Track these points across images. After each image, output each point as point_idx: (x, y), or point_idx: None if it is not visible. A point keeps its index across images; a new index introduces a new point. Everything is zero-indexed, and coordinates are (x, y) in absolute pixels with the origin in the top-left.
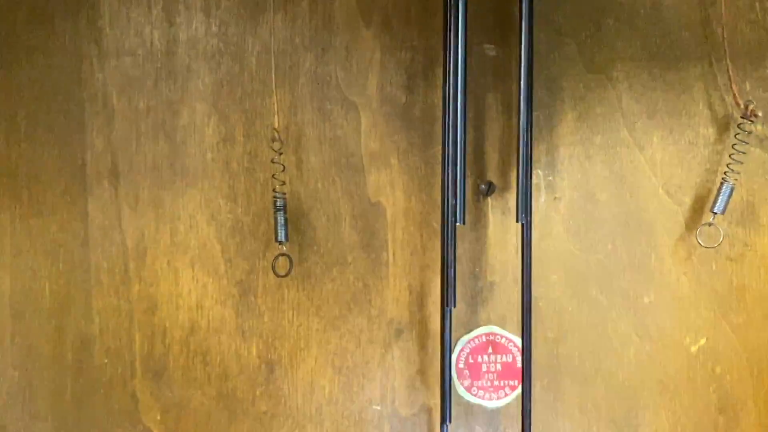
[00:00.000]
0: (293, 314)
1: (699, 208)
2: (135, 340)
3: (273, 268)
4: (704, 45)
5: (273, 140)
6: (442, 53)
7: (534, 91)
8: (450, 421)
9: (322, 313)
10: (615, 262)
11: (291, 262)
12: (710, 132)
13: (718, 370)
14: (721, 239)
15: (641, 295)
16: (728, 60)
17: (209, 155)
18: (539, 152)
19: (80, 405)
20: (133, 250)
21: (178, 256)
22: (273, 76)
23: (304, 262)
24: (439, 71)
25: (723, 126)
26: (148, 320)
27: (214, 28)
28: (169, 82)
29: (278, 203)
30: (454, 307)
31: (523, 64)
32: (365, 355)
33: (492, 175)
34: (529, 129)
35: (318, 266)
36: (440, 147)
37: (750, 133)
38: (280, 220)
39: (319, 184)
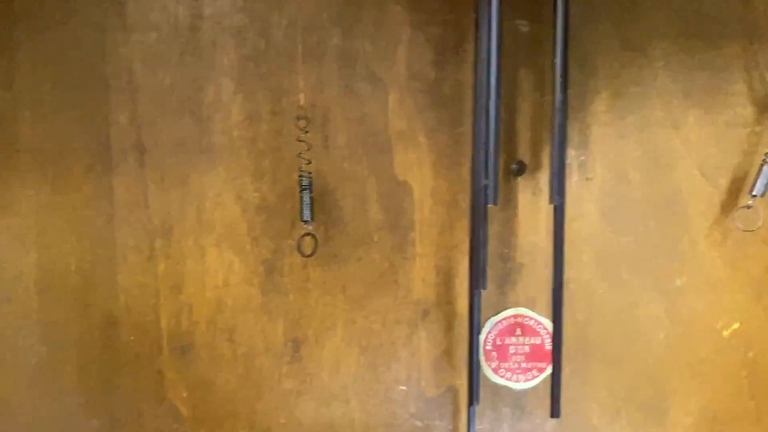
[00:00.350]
0: (319, 293)
1: (735, 190)
2: (161, 318)
3: (298, 247)
4: (743, 23)
5: (299, 118)
6: (473, 29)
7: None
8: (477, 402)
9: (347, 293)
10: (647, 244)
11: (316, 241)
12: (748, 112)
13: (750, 354)
14: (761, 223)
15: (673, 277)
16: None
17: (235, 133)
18: (572, 131)
19: (106, 382)
20: (159, 228)
21: (205, 234)
22: (300, 51)
23: (330, 241)
24: (470, 47)
25: (763, 106)
26: (174, 298)
27: (239, 3)
28: (194, 58)
29: (304, 182)
30: (485, 289)
31: (558, 41)
32: (391, 335)
33: (522, 155)
34: (564, 108)
35: (344, 246)
36: (469, 125)
37: None
38: (306, 199)
39: (346, 163)
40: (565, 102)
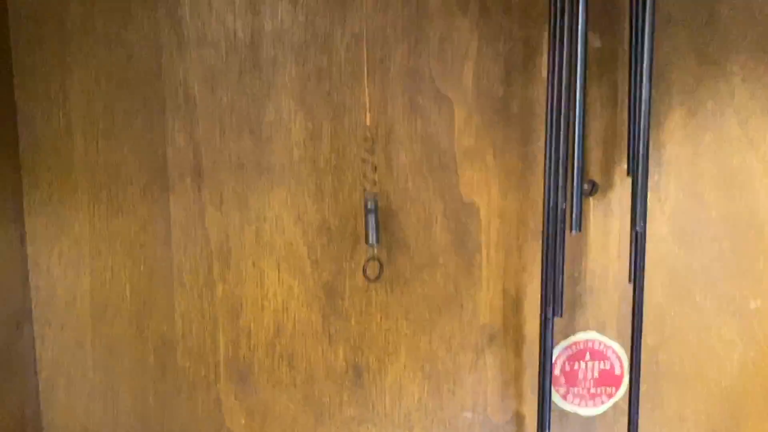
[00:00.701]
0: (381, 318)
1: None
2: (219, 343)
3: (364, 271)
4: None
5: (365, 138)
6: (544, 44)
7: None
8: (548, 430)
9: (411, 317)
10: (721, 266)
11: (381, 266)
12: None
13: None
14: None
15: (748, 299)
16: None
17: (296, 152)
18: None
19: (163, 408)
20: (217, 251)
21: (264, 256)
22: (365, 68)
23: (393, 263)
24: (540, 62)
25: None
26: (233, 322)
27: (300, 18)
28: (253, 75)
29: (369, 205)
30: (560, 316)
31: (645, 60)
32: (456, 361)
33: (593, 174)
34: (646, 128)
35: (407, 268)
36: (538, 144)
37: None
38: (371, 222)
39: (410, 183)
40: (647, 123)
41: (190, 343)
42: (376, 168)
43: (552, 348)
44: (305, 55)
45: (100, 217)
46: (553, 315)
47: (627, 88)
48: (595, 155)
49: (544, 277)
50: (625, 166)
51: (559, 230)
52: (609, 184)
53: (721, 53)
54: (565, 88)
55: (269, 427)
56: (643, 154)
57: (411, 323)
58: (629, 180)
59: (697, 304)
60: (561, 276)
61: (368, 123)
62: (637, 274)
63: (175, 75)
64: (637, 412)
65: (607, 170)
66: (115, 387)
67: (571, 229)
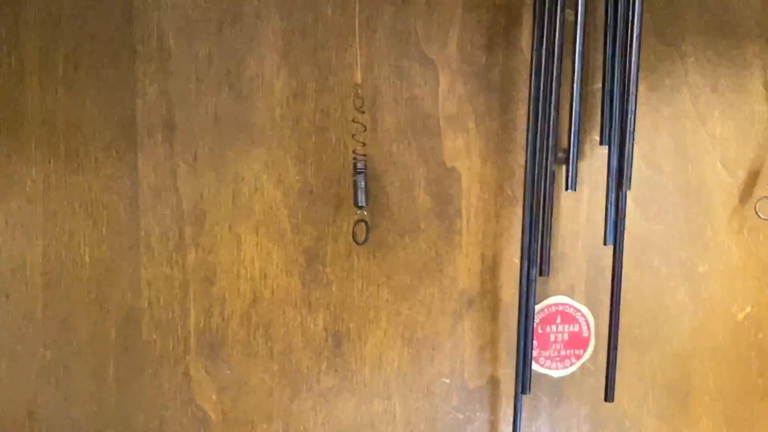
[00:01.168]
0: (363, 284)
1: (752, 181)
2: (190, 314)
3: (353, 235)
4: (764, 24)
5: (356, 97)
6: (524, 14)
7: (607, 60)
8: (528, 392)
9: (392, 283)
10: (675, 232)
11: (368, 228)
12: (765, 109)
13: (760, 335)
14: None
15: (697, 264)
16: None
17: (278, 111)
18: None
19: (124, 386)
20: (190, 214)
21: (241, 220)
22: (357, 25)
23: (375, 228)
24: (519, 33)
25: None
26: (205, 291)
27: None
28: (234, 28)
29: (359, 165)
30: (547, 275)
31: (632, 51)
32: (435, 327)
33: (565, 144)
34: (635, 98)
35: (390, 233)
36: (518, 112)
37: None
38: (360, 183)
39: (394, 147)
40: (635, 91)
41: (158, 315)
42: (366, 128)
43: (534, 309)
44: (290, 9)
45: (57, 173)
46: (533, 275)
47: (602, 61)
48: (565, 126)
49: (528, 238)
50: (596, 137)
51: (548, 191)
52: (581, 155)
53: (677, 35)
54: (548, 56)
55: (242, 401)
56: (630, 120)
57: (392, 289)
58: (600, 149)
59: (654, 270)
60: (549, 236)
61: (359, 80)
62: (619, 234)
63: (148, 21)
64: (615, 369)
65: (578, 141)
66: (69, 365)
67: (567, 188)
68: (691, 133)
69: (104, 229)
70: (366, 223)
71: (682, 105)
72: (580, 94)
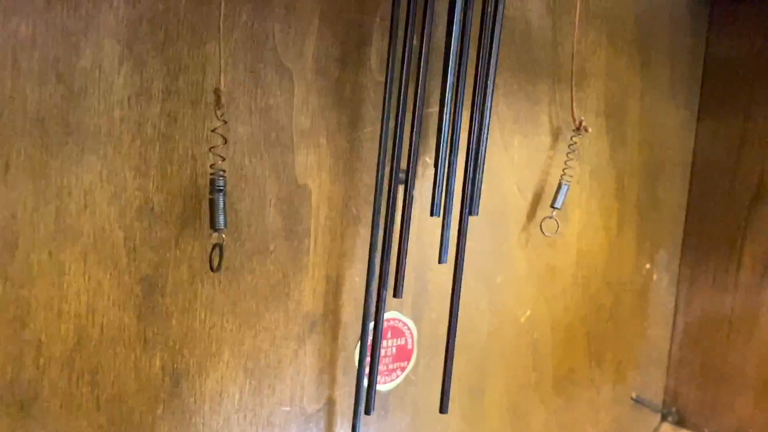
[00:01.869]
0: (206, 314)
1: (535, 202)
2: None
3: (210, 262)
4: (552, 65)
5: (217, 105)
6: (374, 31)
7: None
8: (372, 412)
9: (238, 310)
10: (482, 248)
11: (222, 253)
12: (548, 140)
13: (535, 335)
14: (557, 229)
15: (496, 276)
16: (573, 81)
17: (117, 112)
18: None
19: None
20: None
21: (66, 245)
22: (221, 19)
23: (224, 250)
24: (371, 52)
25: (554, 136)
26: (15, 335)
27: None
28: (68, 6)
29: (218, 183)
30: (399, 297)
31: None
32: (278, 354)
33: (404, 164)
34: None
35: (238, 255)
36: (365, 130)
37: (577, 143)
38: (219, 203)
39: (247, 160)
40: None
41: None
42: (226, 141)
43: (382, 326)
44: None
45: None
46: (396, 295)
47: (441, 88)
48: (404, 148)
49: (383, 256)
50: (427, 158)
51: (407, 210)
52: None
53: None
54: (394, 79)
55: None
56: (452, 149)
57: (237, 317)
58: (430, 171)
59: (467, 282)
60: (404, 256)
61: (222, 85)
62: (460, 255)
63: None
64: (450, 381)
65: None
66: None
67: (404, 207)
68: (498, 159)
69: None
70: (220, 247)
71: (492, 134)
72: (421, 117)
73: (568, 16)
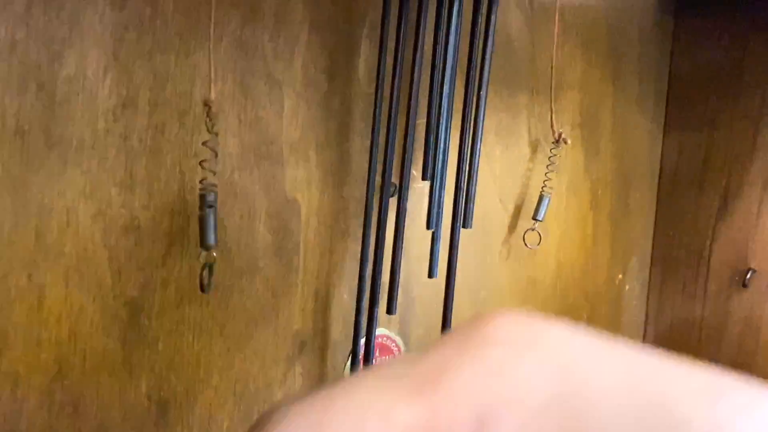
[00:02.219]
0: (194, 337)
1: (517, 214)
2: None
3: (200, 282)
4: (530, 77)
5: (208, 117)
6: (362, 43)
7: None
8: None
9: (227, 332)
10: (467, 262)
11: (212, 273)
12: (527, 152)
13: None
14: (539, 242)
15: (480, 290)
16: (552, 94)
17: (102, 124)
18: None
19: None
20: None
21: (46, 266)
22: (212, 28)
23: (214, 270)
24: (359, 63)
25: (533, 147)
26: None
27: None
28: (50, 10)
29: (209, 198)
30: (393, 314)
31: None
32: (268, 377)
33: (394, 177)
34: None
35: (227, 274)
36: (353, 142)
37: (556, 155)
38: (210, 220)
39: (236, 174)
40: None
41: None
42: (217, 154)
43: (374, 344)
44: (124, 0)
45: None
46: (390, 312)
47: (428, 100)
48: (397, 160)
49: (374, 272)
50: (414, 171)
51: (401, 223)
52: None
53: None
54: (384, 90)
55: None
56: (442, 161)
57: (226, 340)
58: (417, 183)
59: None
60: (399, 269)
61: (212, 96)
62: (452, 269)
63: None
64: None
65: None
66: None
67: (398, 221)
68: (480, 171)
69: None
70: (211, 266)
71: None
72: (414, 129)
73: (546, 28)
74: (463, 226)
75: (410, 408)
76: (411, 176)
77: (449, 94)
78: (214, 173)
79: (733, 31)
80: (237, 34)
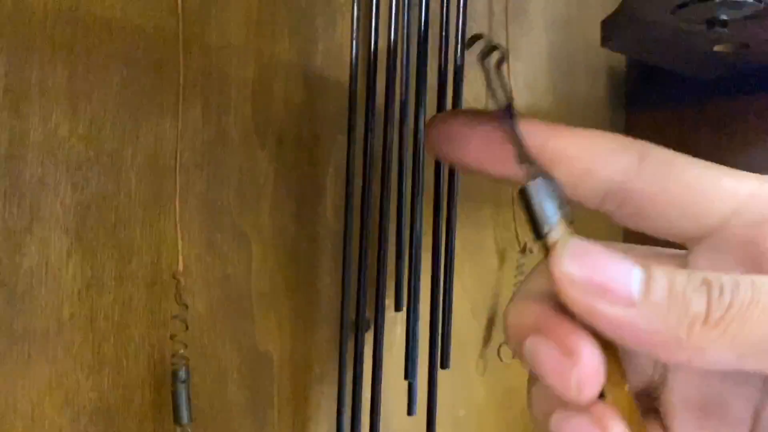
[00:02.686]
0: None
1: (490, 326)
2: None
3: None
4: (493, 189)
5: (177, 289)
6: (328, 181)
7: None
8: None
9: None
10: (444, 381)
11: None
12: (495, 263)
13: None
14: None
15: (458, 409)
16: (514, 205)
17: (66, 309)
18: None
19: None
20: None
21: None
22: (177, 195)
23: None
24: (325, 201)
25: (501, 257)
26: None
27: (80, 130)
28: (11, 201)
29: (181, 374)
30: None
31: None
32: None
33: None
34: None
35: None
36: (324, 282)
37: (524, 264)
38: (182, 395)
39: (206, 337)
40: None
41: None
42: (188, 327)
43: None
44: (86, 177)
45: None
46: None
47: (396, 230)
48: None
49: (353, 416)
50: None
51: (378, 363)
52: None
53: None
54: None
55: None
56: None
57: None
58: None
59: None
60: (378, 416)
61: (181, 267)
62: (432, 407)
63: None
64: None
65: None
66: None
67: (374, 358)
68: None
69: None
70: None
71: None
72: (386, 261)
73: None
74: (442, 367)
75: None
76: (385, 306)
77: (419, 228)
78: (186, 346)
79: (682, 126)
80: (203, 194)
